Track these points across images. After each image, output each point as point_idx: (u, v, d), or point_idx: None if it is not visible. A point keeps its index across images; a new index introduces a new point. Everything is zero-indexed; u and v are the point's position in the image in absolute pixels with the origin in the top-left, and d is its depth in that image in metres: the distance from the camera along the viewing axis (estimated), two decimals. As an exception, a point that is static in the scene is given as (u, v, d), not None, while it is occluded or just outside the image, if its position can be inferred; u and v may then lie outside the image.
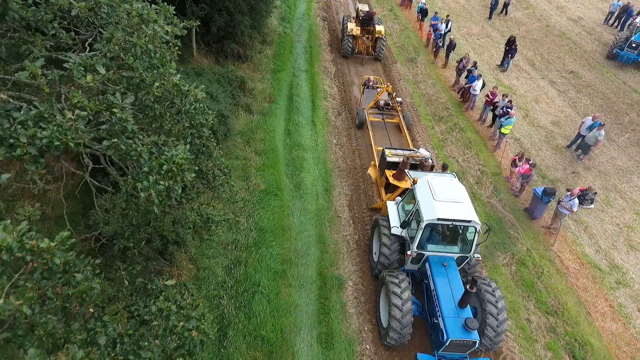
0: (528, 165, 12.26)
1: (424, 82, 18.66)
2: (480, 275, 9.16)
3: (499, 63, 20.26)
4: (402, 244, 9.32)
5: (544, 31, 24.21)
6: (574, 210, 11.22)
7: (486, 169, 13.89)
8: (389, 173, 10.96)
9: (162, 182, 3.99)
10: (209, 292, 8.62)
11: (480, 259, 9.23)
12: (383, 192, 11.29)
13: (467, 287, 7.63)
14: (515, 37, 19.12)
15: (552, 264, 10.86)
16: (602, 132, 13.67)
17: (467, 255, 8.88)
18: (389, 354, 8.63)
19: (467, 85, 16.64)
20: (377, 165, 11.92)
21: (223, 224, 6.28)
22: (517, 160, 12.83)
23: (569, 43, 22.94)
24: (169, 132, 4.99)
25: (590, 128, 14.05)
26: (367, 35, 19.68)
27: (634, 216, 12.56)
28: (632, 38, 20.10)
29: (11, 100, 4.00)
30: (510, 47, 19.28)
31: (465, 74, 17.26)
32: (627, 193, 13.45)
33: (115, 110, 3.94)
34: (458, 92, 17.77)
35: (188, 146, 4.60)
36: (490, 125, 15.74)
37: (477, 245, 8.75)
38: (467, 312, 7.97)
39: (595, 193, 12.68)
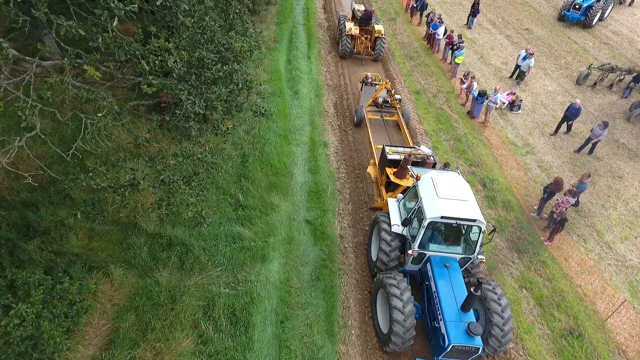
0: (470, 78, 16.29)
1: (400, 35, 22.71)
2: (483, 278, 8.78)
3: (465, 23, 24.26)
4: (403, 243, 8.92)
5: (509, 0, 28.21)
6: (498, 103, 15.22)
7: (442, 89, 17.91)
8: (389, 171, 10.52)
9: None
10: (235, 141, 12.63)
11: (484, 260, 8.74)
12: (384, 191, 10.85)
13: (472, 289, 7.15)
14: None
15: (481, 141, 14.88)
16: (532, 60, 17.67)
17: (471, 256, 8.47)
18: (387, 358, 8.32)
19: (432, 32, 20.66)
20: (377, 163, 11.60)
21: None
22: (463, 78, 16.86)
23: (529, 9, 26.95)
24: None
25: (524, 59, 18.04)
26: (365, 35, 19.17)
27: (550, 118, 16.55)
28: (576, 0, 24.08)
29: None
30: (475, 8, 23.27)
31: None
32: (550, 105, 17.44)
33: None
34: (425, 39, 21.79)
35: None
36: (450, 62, 19.74)
37: (481, 245, 8.38)
38: (470, 316, 7.53)
39: (521, 100, 16.70)
